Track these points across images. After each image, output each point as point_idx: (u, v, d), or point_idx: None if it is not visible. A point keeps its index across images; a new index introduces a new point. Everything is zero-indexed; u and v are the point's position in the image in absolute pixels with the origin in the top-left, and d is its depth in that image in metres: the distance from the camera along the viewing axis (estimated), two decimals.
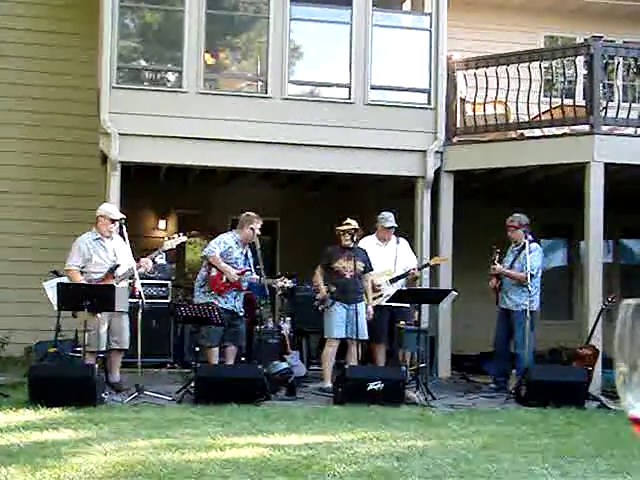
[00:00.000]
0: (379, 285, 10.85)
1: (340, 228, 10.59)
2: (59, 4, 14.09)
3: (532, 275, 10.39)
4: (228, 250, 10.33)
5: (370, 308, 10.57)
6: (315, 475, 5.84)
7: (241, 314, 10.40)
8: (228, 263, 10.27)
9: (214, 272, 10.25)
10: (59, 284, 9.25)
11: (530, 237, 10.77)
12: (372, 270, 10.70)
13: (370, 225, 11.18)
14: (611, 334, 1.80)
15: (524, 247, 10.52)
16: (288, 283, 10.57)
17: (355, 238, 10.54)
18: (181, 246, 10.64)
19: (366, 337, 10.39)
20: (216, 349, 10.17)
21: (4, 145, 13.81)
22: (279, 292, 12.75)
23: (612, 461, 6.62)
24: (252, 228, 10.32)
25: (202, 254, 10.76)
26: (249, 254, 10.47)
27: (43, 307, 10.10)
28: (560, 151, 11.73)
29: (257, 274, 10.31)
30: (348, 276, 10.41)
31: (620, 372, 1.71)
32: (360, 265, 10.49)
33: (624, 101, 11.91)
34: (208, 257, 10.32)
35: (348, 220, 10.64)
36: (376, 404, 8.93)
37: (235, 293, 10.29)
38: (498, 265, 10.77)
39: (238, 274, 10.21)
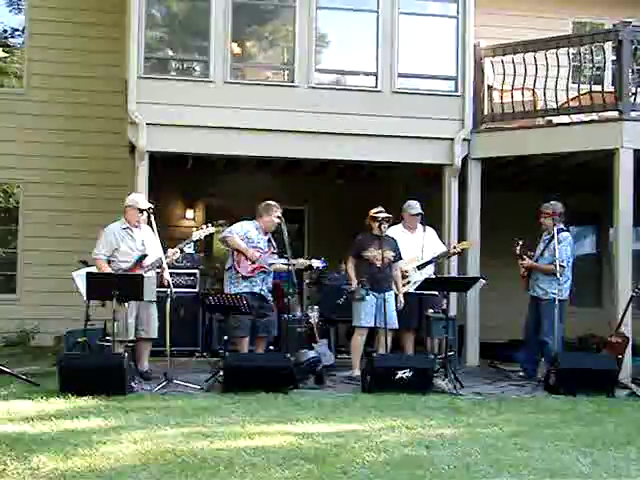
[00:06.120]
0: (406, 271, 10.82)
1: (378, 215, 10.38)
2: None
3: (562, 266, 10.30)
4: (248, 234, 10.24)
5: (401, 297, 10.47)
6: (344, 463, 5.84)
7: (270, 299, 10.35)
8: (250, 246, 10.23)
9: (237, 256, 10.21)
10: (88, 274, 9.29)
11: (561, 226, 10.66)
12: (401, 259, 10.64)
13: (397, 214, 11.14)
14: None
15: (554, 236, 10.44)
16: (317, 263, 10.57)
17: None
18: (209, 236, 10.63)
19: (396, 326, 10.31)
20: (247, 339, 10.18)
21: (35, 136, 13.91)
22: (307, 281, 12.75)
23: None
24: (278, 216, 10.27)
25: (219, 237, 10.66)
26: (272, 241, 10.40)
27: (72, 297, 10.16)
28: (589, 138, 11.64)
29: (285, 258, 10.23)
30: (379, 265, 10.23)
31: None
32: (390, 254, 10.42)
33: None
34: (225, 238, 10.19)
35: (380, 208, 10.55)
36: (405, 392, 8.91)
37: (263, 276, 10.21)
38: (527, 260, 10.70)
39: (260, 253, 10.17)
